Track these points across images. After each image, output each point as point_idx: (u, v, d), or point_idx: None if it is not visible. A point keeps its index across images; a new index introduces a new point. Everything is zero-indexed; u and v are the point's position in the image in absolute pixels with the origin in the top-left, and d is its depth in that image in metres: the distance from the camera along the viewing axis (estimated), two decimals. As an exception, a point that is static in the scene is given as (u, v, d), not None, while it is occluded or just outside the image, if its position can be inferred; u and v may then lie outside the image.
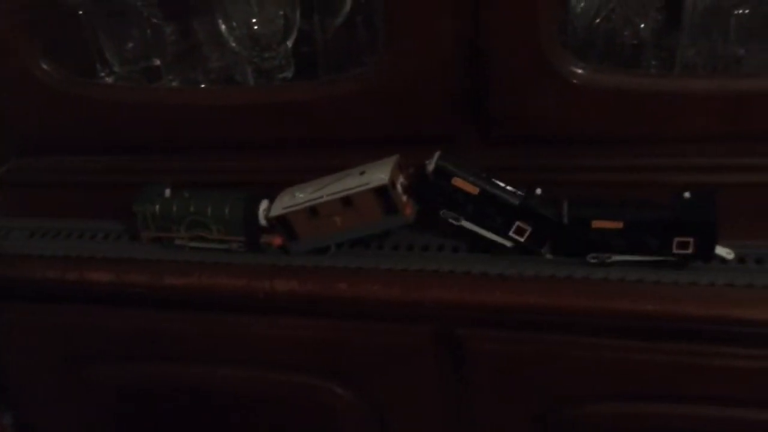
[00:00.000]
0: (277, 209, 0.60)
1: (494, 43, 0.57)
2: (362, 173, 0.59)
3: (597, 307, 0.55)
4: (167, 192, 0.64)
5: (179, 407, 0.75)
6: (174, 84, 0.79)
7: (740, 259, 0.54)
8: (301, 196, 0.60)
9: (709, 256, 0.53)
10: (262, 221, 0.61)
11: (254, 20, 0.70)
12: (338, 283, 0.59)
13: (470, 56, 0.59)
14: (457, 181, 0.55)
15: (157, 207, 0.63)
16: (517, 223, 0.55)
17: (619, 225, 0.52)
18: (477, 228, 0.56)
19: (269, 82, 0.72)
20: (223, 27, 0.70)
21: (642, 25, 0.64)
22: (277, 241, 0.62)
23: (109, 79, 0.79)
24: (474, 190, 0.55)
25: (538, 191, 0.55)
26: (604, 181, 0.62)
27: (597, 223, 0.53)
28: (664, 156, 0.61)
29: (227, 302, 0.64)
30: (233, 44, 0.71)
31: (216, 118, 0.67)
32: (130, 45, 0.80)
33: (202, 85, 0.78)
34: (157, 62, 0.79)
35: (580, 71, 0.58)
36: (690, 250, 0.52)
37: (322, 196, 0.58)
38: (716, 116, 0.57)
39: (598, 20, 0.65)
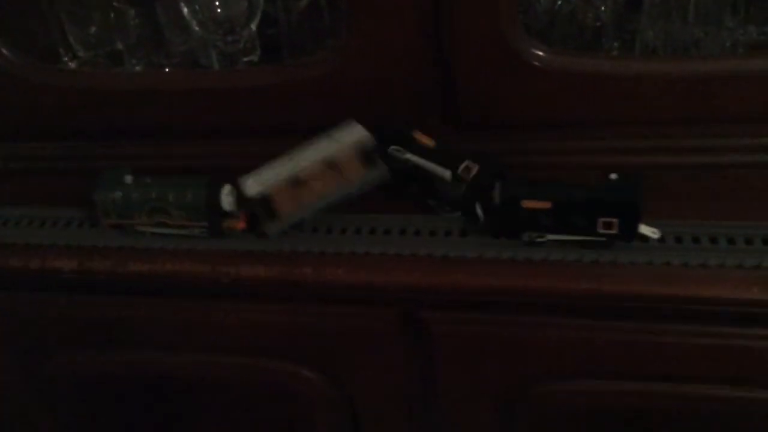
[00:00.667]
0: (254, 188, 0.59)
1: (456, 27, 0.57)
2: (331, 137, 0.58)
3: (520, 287, 0.56)
4: (128, 178, 0.64)
5: (146, 394, 0.75)
6: (137, 68, 0.78)
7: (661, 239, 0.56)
8: (273, 173, 0.59)
9: (632, 236, 0.54)
10: (226, 206, 0.61)
11: (217, 3, 0.69)
12: (303, 267, 0.59)
13: (434, 41, 0.58)
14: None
15: (118, 194, 0.62)
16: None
17: (548, 205, 0.53)
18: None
19: (234, 65, 0.72)
20: (185, 10, 0.69)
21: (603, 8, 0.64)
22: (241, 225, 0.61)
23: (72, 64, 0.78)
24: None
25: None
26: (569, 163, 0.63)
27: (527, 203, 0.53)
28: (624, 138, 0.62)
29: (192, 288, 0.64)
30: (196, 28, 0.70)
31: (178, 102, 0.66)
32: (93, 29, 0.78)
33: (166, 69, 0.77)
34: (121, 46, 0.78)
35: (541, 54, 0.58)
36: (614, 230, 0.53)
37: (300, 164, 0.58)
38: (674, 98, 0.58)
39: (559, 3, 0.65)
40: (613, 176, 0.54)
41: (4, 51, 0.67)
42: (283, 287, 0.60)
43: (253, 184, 0.59)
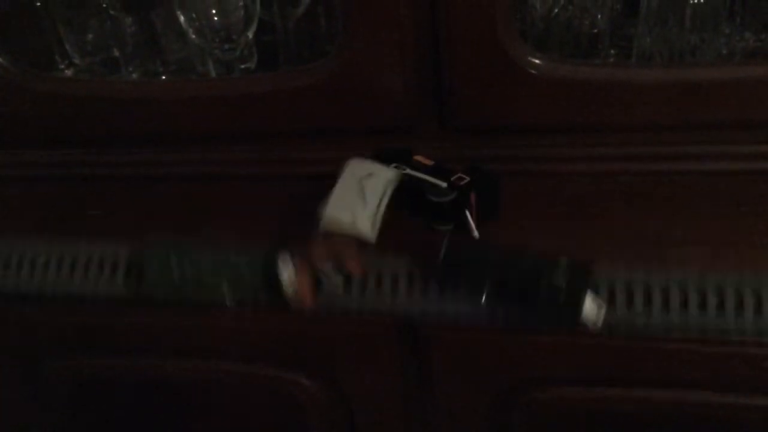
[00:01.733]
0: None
1: (452, 33, 0.58)
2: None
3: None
4: (174, 261, 0.58)
5: (140, 400, 0.74)
6: (134, 76, 0.78)
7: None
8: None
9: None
10: (287, 285, 0.55)
11: (213, 11, 0.69)
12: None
13: (429, 46, 0.59)
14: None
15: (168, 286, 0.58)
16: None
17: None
18: None
19: (231, 73, 0.72)
20: (182, 18, 0.69)
21: (599, 15, 0.64)
22: (307, 300, 0.56)
23: (68, 72, 0.78)
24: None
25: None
26: (563, 170, 0.63)
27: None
28: (621, 145, 0.62)
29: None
30: (193, 36, 0.70)
31: (174, 110, 0.66)
32: (90, 36, 0.78)
33: (162, 77, 0.77)
34: (117, 54, 0.78)
35: (537, 61, 0.58)
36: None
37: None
38: (670, 105, 0.58)
39: (556, 10, 0.65)
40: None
41: (1, 59, 0.67)
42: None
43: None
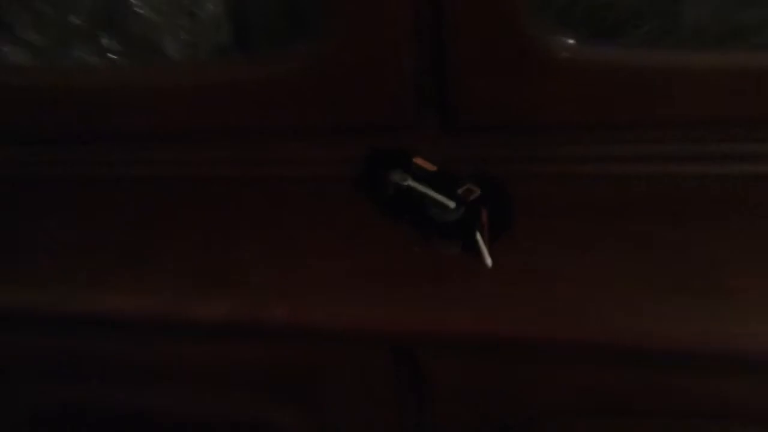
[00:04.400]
0: None
1: (459, 15, 0.47)
2: None
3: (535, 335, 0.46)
4: None
5: (120, 429, 0.66)
6: (89, 58, 0.67)
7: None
8: None
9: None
10: None
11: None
12: (276, 308, 0.49)
13: (432, 27, 0.48)
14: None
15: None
16: None
17: None
18: None
19: (196, 54, 0.61)
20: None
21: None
22: None
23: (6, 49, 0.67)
24: None
25: None
26: (590, 174, 0.53)
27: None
28: (655, 143, 0.52)
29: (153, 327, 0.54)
30: (147, 10, 0.59)
31: (136, 102, 0.56)
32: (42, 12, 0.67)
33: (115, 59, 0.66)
34: (71, 27, 0.67)
35: (560, 42, 0.48)
36: None
37: None
38: (725, 96, 0.48)
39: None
40: None
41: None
42: (255, 329, 0.51)
43: None
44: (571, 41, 0.48)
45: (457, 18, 0.47)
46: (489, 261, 0.46)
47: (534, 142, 0.53)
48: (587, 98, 0.49)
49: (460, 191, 0.47)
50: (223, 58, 0.61)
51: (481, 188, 0.47)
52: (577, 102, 0.50)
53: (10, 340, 0.60)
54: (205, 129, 0.58)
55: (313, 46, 0.52)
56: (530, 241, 0.48)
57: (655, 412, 0.50)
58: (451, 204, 0.47)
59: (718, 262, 0.46)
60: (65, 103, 0.59)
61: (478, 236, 0.46)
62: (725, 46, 0.49)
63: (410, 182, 0.49)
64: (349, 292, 0.48)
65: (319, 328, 0.48)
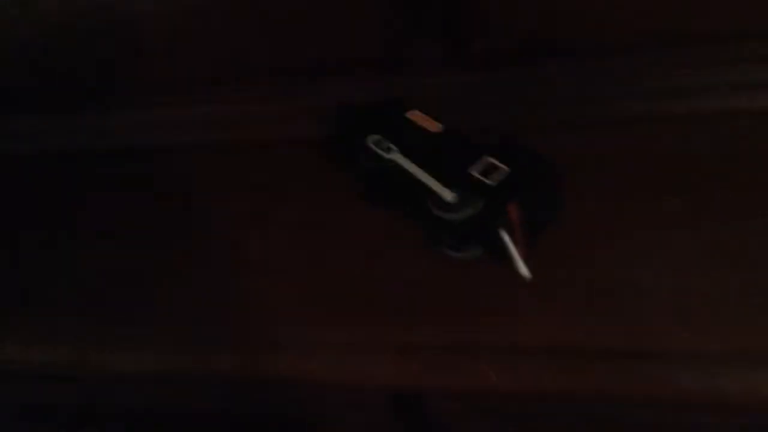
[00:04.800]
0: None
1: None
2: None
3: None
4: None
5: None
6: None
7: None
8: None
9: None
10: None
11: None
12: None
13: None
14: None
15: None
16: None
17: None
18: None
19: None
20: None
21: None
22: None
23: None
24: None
25: None
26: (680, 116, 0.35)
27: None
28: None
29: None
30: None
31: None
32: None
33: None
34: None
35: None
36: None
37: None
38: None
39: None
40: None
41: None
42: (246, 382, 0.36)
43: None
44: None
45: None
46: (525, 272, 0.30)
47: (582, 73, 0.35)
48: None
49: (475, 169, 0.30)
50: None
51: (510, 162, 0.30)
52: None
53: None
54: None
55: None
56: (584, 235, 0.31)
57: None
58: (448, 194, 0.30)
59: None
60: None
61: (506, 238, 0.29)
62: None
63: (394, 154, 0.33)
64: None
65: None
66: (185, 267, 0.38)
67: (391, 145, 0.33)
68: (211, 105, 0.45)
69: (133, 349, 0.39)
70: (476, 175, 0.30)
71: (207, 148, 0.44)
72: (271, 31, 0.39)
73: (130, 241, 0.40)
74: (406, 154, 0.33)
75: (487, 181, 0.30)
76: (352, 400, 0.41)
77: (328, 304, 0.33)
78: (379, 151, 0.33)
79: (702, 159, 0.33)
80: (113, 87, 0.46)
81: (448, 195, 0.30)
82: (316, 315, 0.33)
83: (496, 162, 0.30)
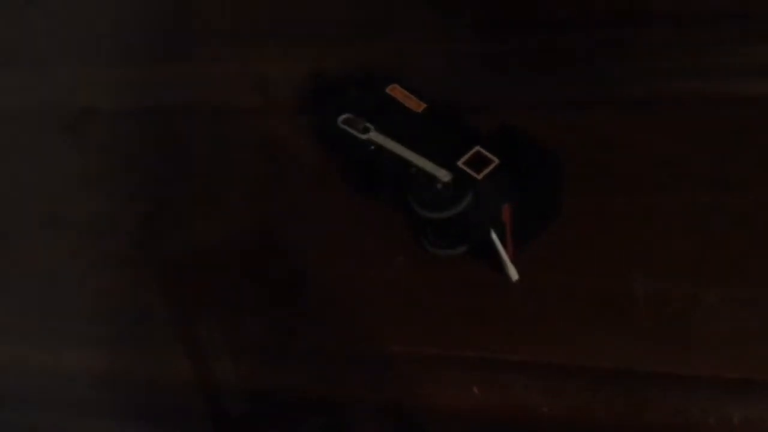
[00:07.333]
0: None
1: None
2: None
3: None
4: None
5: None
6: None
7: None
8: None
9: None
10: None
11: None
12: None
13: None
14: None
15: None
16: None
17: None
18: None
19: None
20: None
21: None
22: None
23: None
24: None
25: None
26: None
27: None
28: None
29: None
30: None
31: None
32: None
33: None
34: None
35: None
36: None
37: None
38: None
39: None
40: None
41: None
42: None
43: None
44: None
45: None
46: (514, 275, 0.26)
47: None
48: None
49: (462, 160, 0.26)
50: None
51: (507, 154, 0.26)
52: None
53: None
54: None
55: None
56: (584, 232, 0.27)
57: None
58: (444, 175, 0.26)
59: None
60: None
61: (495, 238, 0.25)
62: None
63: (372, 134, 0.28)
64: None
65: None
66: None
67: (368, 124, 0.29)
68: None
69: None
70: (466, 169, 0.26)
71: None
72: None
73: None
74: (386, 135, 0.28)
75: (478, 177, 0.26)
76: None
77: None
78: (354, 132, 0.29)
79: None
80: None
81: (443, 174, 0.26)
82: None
83: (490, 154, 0.26)
